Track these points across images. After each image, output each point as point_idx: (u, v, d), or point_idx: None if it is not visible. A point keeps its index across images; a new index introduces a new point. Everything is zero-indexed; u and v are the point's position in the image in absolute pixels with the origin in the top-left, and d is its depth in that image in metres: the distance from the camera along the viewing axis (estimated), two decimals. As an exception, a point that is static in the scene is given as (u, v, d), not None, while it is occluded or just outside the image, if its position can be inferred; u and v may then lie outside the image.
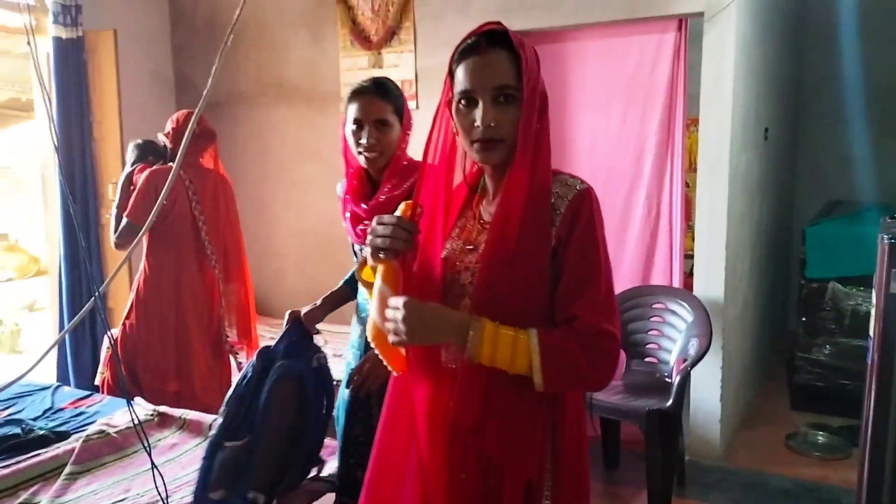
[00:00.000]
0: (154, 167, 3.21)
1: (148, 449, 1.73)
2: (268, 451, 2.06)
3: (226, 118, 4.82)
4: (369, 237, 1.41)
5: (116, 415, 2.75)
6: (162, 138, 3.28)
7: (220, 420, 2.08)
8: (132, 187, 3.22)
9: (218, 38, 4.82)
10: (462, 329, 1.32)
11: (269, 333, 4.24)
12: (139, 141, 3.38)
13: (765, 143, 4.12)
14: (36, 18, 4.37)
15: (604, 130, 3.78)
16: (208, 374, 3.32)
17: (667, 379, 3.26)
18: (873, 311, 2.35)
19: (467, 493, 1.40)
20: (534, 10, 3.75)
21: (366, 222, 1.82)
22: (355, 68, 4.34)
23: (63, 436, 2.58)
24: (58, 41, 4.21)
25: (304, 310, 2.16)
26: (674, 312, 3.37)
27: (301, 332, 2.13)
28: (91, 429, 2.57)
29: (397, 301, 1.34)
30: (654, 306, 3.45)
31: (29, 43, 1.67)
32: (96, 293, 1.40)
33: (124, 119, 4.32)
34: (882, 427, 2.40)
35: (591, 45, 3.77)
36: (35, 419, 2.78)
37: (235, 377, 3.46)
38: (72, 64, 4.27)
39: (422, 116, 4.11)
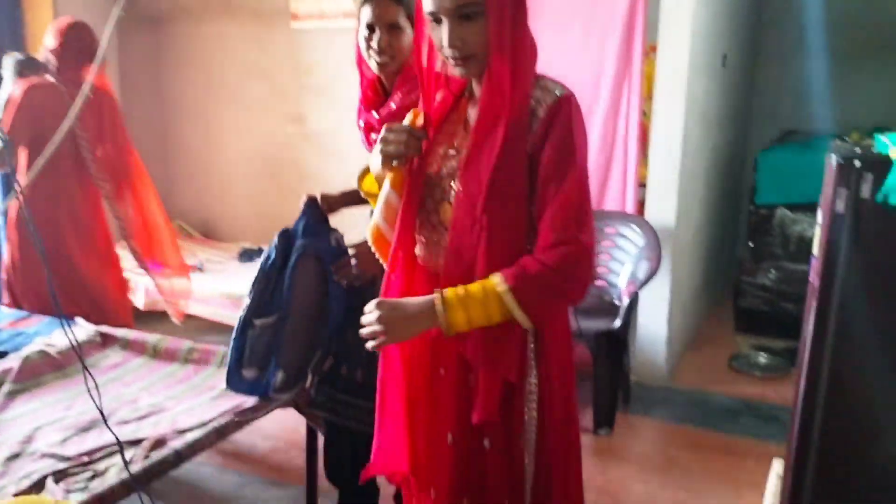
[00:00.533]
0: (33, 82, 2.99)
1: (83, 362, 1.68)
2: (295, 327, 2.11)
3: (167, 35, 4.61)
4: (380, 145, 1.43)
5: (56, 334, 2.67)
6: (46, 54, 3.06)
7: (248, 300, 2.12)
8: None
9: (159, -52, 4.57)
10: (430, 308, 1.33)
11: (216, 257, 4.16)
12: (20, 56, 3.14)
13: (722, 70, 4.10)
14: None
15: (561, 53, 3.69)
16: (101, 293, 3.21)
17: (616, 302, 3.30)
18: (817, 231, 2.39)
19: (446, 388, 1.46)
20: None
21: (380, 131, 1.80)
22: (305, -18, 4.16)
23: (1, 355, 2.51)
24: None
25: (319, 194, 2.17)
26: (625, 237, 3.38)
27: (317, 213, 2.15)
28: (30, 348, 2.50)
29: (370, 306, 1.36)
30: (605, 230, 3.46)
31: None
32: (17, 185, 1.35)
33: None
34: (819, 346, 2.46)
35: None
36: (-27, 340, 2.70)
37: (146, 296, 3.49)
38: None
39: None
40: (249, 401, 2.18)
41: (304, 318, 2.12)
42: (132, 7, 4.68)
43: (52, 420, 2.14)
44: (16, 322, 2.89)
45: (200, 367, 2.50)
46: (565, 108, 1.36)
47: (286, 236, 2.14)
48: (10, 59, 3.11)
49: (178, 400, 2.29)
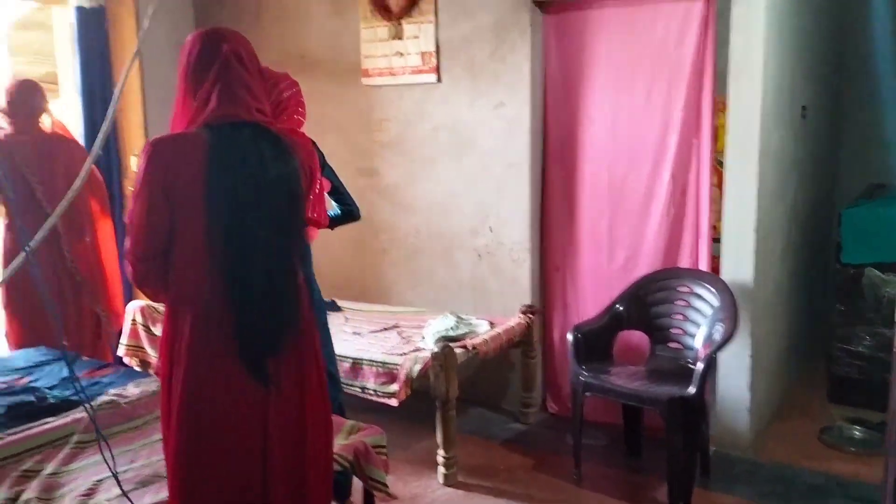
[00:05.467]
0: None
1: (95, 419, 1.69)
2: None
3: (249, 91, 4.77)
4: None
5: (129, 386, 2.74)
6: None
7: None
8: None
9: (242, 11, 4.77)
10: None
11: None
12: None
13: (802, 121, 3.95)
14: (60, -12, 4.37)
15: (627, 104, 3.65)
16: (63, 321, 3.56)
17: (691, 365, 3.15)
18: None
19: None
20: (560, -21, 3.61)
21: None
22: (375, 39, 4.25)
23: (75, 405, 2.56)
24: (80, 11, 4.19)
25: None
26: (699, 296, 3.25)
27: None
28: (101, 398, 2.56)
29: None
30: (678, 290, 3.34)
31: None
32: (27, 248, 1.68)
33: (147, 90, 4.29)
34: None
35: (615, 13, 3.62)
36: (51, 388, 2.77)
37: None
38: (94, 34, 4.25)
39: (443, 89, 3.99)
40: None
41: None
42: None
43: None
44: (93, 371, 2.96)
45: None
46: None
47: None
48: None
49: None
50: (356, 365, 3.26)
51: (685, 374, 3.03)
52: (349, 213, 3.16)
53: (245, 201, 1.72)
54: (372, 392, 3.20)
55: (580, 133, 3.81)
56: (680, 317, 3.32)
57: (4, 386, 2.75)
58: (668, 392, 2.86)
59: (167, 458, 1.82)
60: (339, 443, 2.31)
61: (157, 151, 1.70)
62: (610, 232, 3.75)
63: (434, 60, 4.07)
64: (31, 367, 2.98)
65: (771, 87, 3.30)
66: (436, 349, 3.07)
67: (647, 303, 3.38)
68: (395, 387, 3.12)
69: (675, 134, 3.53)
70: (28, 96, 3.49)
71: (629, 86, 3.62)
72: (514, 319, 3.69)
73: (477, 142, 4.01)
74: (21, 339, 3.44)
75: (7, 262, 3.46)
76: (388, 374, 3.16)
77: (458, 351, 3.14)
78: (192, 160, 1.69)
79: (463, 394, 3.20)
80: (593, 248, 3.82)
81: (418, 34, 4.11)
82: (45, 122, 3.57)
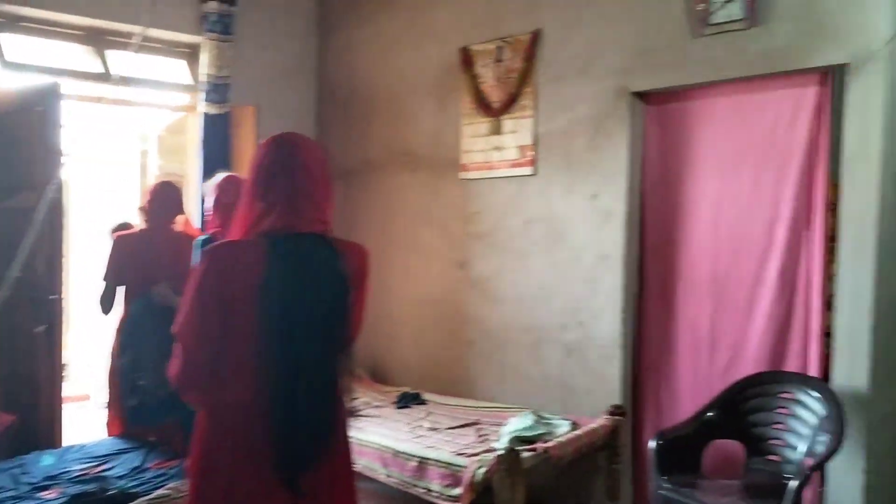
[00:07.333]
0: (119, 233, 3.76)
1: None
2: None
3: (357, 184, 4.96)
4: None
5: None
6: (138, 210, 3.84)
7: None
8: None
9: (354, 113, 5.02)
10: None
11: (376, 402, 4.17)
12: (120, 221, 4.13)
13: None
14: (193, 97, 4.82)
15: (732, 195, 3.42)
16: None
17: (791, 481, 2.76)
18: None
19: None
20: (658, 69, 3.50)
21: None
22: (476, 135, 4.29)
23: (132, 497, 2.61)
24: (207, 117, 4.58)
25: None
26: (803, 404, 2.88)
27: None
28: (157, 492, 2.60)
29: None
30: (780, 395, 2.98)
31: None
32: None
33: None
34: None
35: (720, 102, 3.45)
36: (120, 477, 2.85)
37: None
38: (218, 137, 4.62)
39: (538, 182, 3.92)
40: None
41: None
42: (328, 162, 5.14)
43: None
44: (163, 462, 3.03)
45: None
46: None
47: None
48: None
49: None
50: (422, 464, 3.14)
51: (783, 492, 2.66)
52: None
53: (297, 312, 1.71)
54: (437, 495, 3.06)
55: (680, 225, 3.61)
56: (780, 426, 2.95)
57: (78, 473, 2.87)
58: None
59: None
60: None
61: (216, 259, 1.72)
62: (711, 330, 3.47)
63: (531, 153, 4.04)
64: (110, 454, 3.10)
65: (890, 174, 2.97)
66: (501, 451, 2.90)
67: (744, 409, 3.04)
68: (458, 490, 2.97)
69: (783, 226, 3.27)
70: (165, 198, 3.75)
71: (734, 176, 3.41)
72: (600, 420, 3.44)
73: (569, 234, 3.89)
74: (115, 427, 3.57)
75: (118, 334, 3.65)
76: (454, 477, 3.01)
77: (525, 455, 2.95)
78: (249, 268, 1.70)
79: (541, 498, 2.99)
80: (692, 348, 3.54)
81: (517, 129, 4.12)
82: (178, 221, 3.82)
